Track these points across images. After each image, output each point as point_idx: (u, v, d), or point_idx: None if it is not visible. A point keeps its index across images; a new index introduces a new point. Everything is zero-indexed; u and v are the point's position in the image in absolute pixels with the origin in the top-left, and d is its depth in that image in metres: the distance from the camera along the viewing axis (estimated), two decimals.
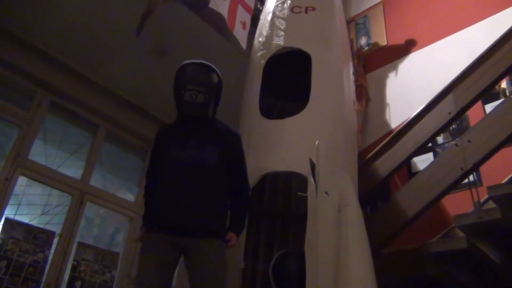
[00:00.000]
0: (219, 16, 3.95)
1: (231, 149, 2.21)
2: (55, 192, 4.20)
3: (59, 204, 4.19)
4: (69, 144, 4.49)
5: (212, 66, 2.25)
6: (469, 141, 2.82)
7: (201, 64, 2.23)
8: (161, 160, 2.12)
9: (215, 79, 2.22)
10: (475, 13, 4.31)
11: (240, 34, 4.14)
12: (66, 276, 3.95)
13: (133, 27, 3.68)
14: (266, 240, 3.43)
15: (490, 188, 2.62)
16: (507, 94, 3.63)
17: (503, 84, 3.75)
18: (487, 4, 4.27)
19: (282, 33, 3.38)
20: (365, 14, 5.52)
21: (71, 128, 4.59)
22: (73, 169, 4.40)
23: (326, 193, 2.66)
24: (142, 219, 2.18)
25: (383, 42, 5.10)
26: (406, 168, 3.96)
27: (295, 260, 2.94)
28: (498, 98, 3.68)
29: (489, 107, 3.66)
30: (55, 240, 3.94)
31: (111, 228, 4.69)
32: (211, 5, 3.84)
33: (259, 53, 3.45)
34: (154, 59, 4.34)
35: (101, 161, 4.67)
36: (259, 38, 3.59)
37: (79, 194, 4.26)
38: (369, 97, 4.81)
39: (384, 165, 3.29)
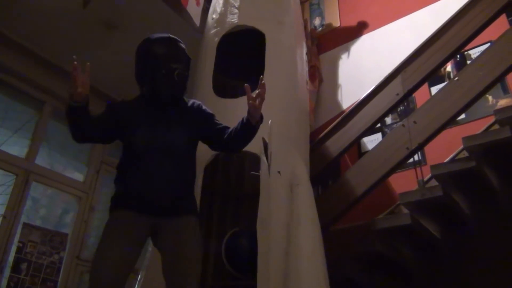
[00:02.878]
0: None
1: (205, 117, 2.16)
2: None
3: (2, 184, 4.01)
4: (12, 122, 4.28)
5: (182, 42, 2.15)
6: (415, 122, 2.92)
7: (173, 38, 2.12)
8: (126, 139, 2.03)
9: (187, 53, 2.15)
10: None
11: (194, 10, 4.05)
12: (10, 258, 3.82)
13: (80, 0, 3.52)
14: (219, 218, 3.44)
15: (433, 167, 2.75)
16: (451, 77, 3.78)
17: (448, 67, 3.90)
18: None
19: (236, 10, 3.34)
20: None
21: (14, 105, 4.37)
22: (17, 148, 4.22)
23: (279, 172, 2.69)
24: (112, 199, 2.00)
25: (336, 23, 5.15)
26: (356, 148, 4.07)
27: (247, 238, 2.98)
28: (443, 81, 3.82)
29: (434, 90, 3.80)
30: None
31: (59, 209, 4.55)
32: None
33: (213, 31, 3.40)
34: (102, 34, 4.18)
35: (47, 140, 4.50)
36: (212, 15, 3.54)
37: (24, 174, 4.09)
38: (322, 77, 4.87)
39: (335, 145, 3.36)
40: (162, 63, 2.02)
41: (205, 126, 2.15)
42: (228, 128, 2.12)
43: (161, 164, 1.95)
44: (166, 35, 2.12)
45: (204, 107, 2.22)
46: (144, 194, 1.91)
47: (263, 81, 1.98)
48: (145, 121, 2.02)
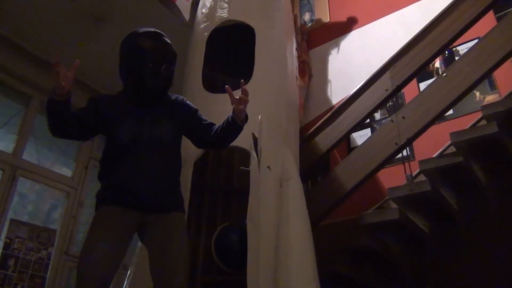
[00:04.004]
0: None
1: (189, 112, 2.15)
2: None
3: None
4: None
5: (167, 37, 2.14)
6: (403, 117, 2.94)
7: (159, 33, 2.11)
8: (110, 133, 2.00)
9: (173, 48, 2.14)
10: None
11: (183, 4, 4.03)
12: None
13: None
14: (209, 213, 3.44)
15: (421, 162, 2.78)
16: (440, 73, 3.80)
17: (437, 63, 3.93)
18: None
19: (226, 5, 3.33)
20: None
21: (1, 99, 4.31)
22: (3, 143, 4.17)
23: (268, 167, 2.69)
24: (98, 194, 1.99)
25: (326, 18, 5.16)
26: (345, 143, 4.09)
27: (237, 233, 2.99)
28: (431, 77, 3.85)
29: (423, 85, 3.83)
30: None
31: (47, 204, 4.51)
32: None
33: (202, 25, 3.38)
34: (91, 28, 4.13)
35: (34, 135, 4.44)
36: (202, 10, 3.51)
37: (11, 169, 4.04)
38: (312, 73, 4.88)
39: (325, 140, 3.37)
40: (149, 58, 2.01)
41: (191, 120, 2.14)
42: (214, 124, 2.13)
43: (148, 159, 1.94)
44: (152, 29, 2.11)
45: (187, 101, 2.22)
46: (131, 189, 1.89)
47: (244, 86, 2.00)
48: (130, 115, 2.00)
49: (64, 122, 1.90)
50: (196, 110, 2.19)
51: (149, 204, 1.91)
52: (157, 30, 2.12)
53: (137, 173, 1.91)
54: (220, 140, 2.11)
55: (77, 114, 1.95)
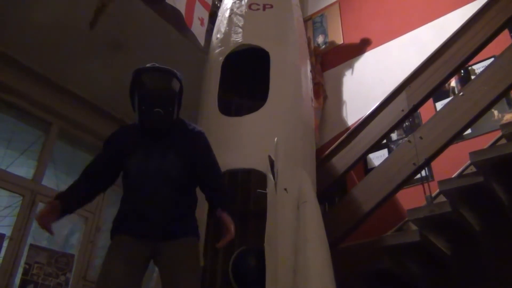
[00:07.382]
0: (176, 11, 3.89)
1: (197, 149, 2.18)
2: (4, 193, 4.02)
3: (9, 205, 4.02)
4: (18, 143, 4.30)
5: (172, 70, 2.15)
6: (421, 137, 2.91)
7: (161, 71, 2.13)
8: (123, 167, 2.08)
9: (177, 86, 2.14)
10: (425, 14, 4.47)
11: (198, 30, 4.10)
12: (17, 280, 3.80)
13: (86, 21, 3.56)
14: None
15: (441, 183, 2.73)
16: (456, 92, 3.78)
17: (452, 82, 3.91)
18: (436, 6, 4.43)
19: (240, 30, 3.38)
20: (322, 13, 5.60)
21: (21, 126, 4.40)
22: (23, 169, 4.23)
23: (285, 189, 2.68)
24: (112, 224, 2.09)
25: (339, 40, 5.19)
26: (362, 165, 4.05)
27: (255, 256, 2.95)
28: (447, 96, 3.82)
29: (439, 105, 3.80)
30: (5, 243, 3.77)
31: (65, 229, 4.54)
32: (167, 0, 3.78)
33: (217, 50, 3.43)
34: (108, 55, 4.23)
35: (54, 160, 4.51)
36: (217, 35, 3.57)
37: (31, 195, 4.09)
38: (326, 94, 4.89)
39: (341, 161, 3.35)
40: (143, 100, 2.05)
41: (197, 164, 2.17)
42: (213, 180, 2.22)
43: (154, 189, 1.99)
44: (156, 67, 2.13)
45: (204, 141, 2.24)
46: (138, 218, 1.95)
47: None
48: (140, 147, 2.06)
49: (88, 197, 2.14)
50: (207, 151, 2.25)
51: (156, 234, 1.95)
52: (162, 66, 2.13)
53: (144, 203, 1.97)
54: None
55: (94, 175, 2.09)
